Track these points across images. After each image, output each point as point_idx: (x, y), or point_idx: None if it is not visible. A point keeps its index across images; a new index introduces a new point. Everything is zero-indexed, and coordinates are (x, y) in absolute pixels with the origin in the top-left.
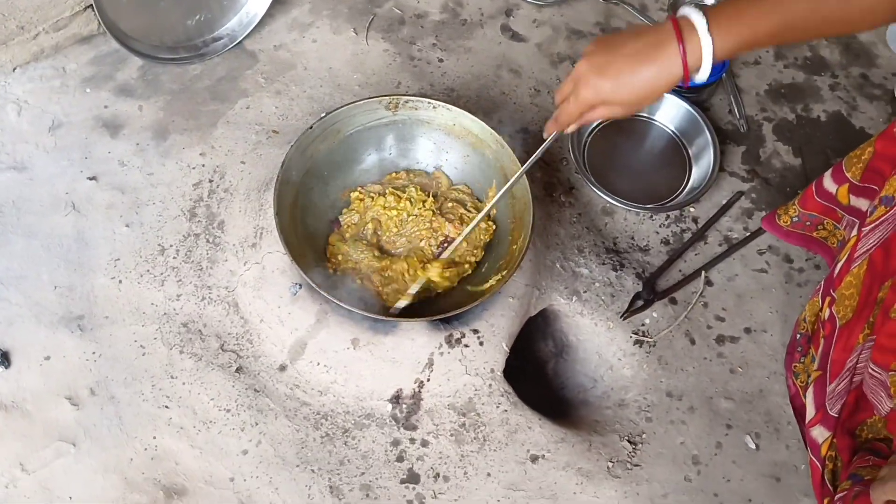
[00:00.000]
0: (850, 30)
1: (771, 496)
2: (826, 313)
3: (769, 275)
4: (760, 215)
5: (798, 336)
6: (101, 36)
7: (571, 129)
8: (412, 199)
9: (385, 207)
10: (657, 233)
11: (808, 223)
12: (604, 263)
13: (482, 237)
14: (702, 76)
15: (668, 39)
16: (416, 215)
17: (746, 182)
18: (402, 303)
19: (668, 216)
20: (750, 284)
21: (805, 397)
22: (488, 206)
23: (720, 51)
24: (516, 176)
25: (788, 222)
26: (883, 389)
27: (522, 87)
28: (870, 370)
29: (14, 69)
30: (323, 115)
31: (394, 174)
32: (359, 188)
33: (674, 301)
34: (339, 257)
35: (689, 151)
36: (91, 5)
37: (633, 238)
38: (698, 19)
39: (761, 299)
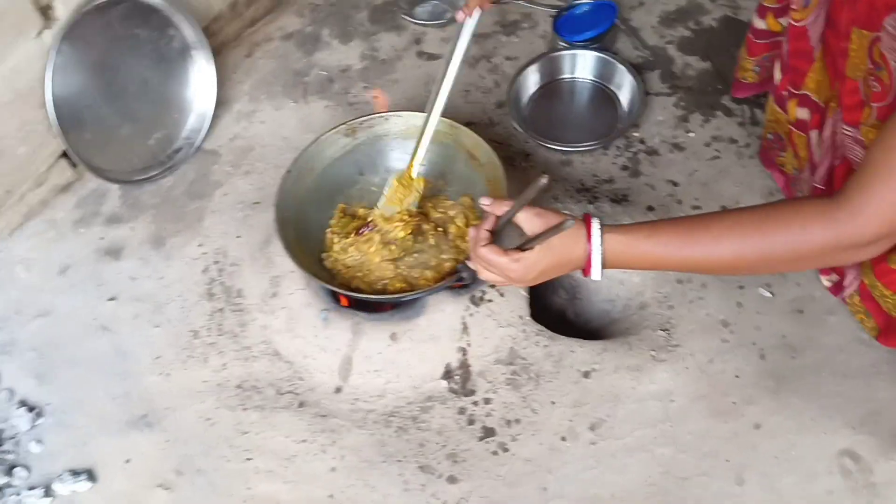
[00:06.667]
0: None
1: (801, 324)
2: (796, 114)
3: (722, 159)
4: (694, 118)
5: (769, 136)
6: (77, 182)
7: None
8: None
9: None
10: (614, 163)
11: (767, 64)
12: (579, 202)
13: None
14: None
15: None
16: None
17: (672, 96)
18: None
19: (618, 147)
20: (710, 172)
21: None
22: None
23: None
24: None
25: (754, 77)
26: (858, 145)
27: (453, 93)
28: (843, 130)
29: (11, 233)
30: (295, 157)
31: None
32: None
33: (651, 209)
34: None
35: (615, 91)
36: (63, 153)
37: (595, 175)
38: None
39: (724, 180)
